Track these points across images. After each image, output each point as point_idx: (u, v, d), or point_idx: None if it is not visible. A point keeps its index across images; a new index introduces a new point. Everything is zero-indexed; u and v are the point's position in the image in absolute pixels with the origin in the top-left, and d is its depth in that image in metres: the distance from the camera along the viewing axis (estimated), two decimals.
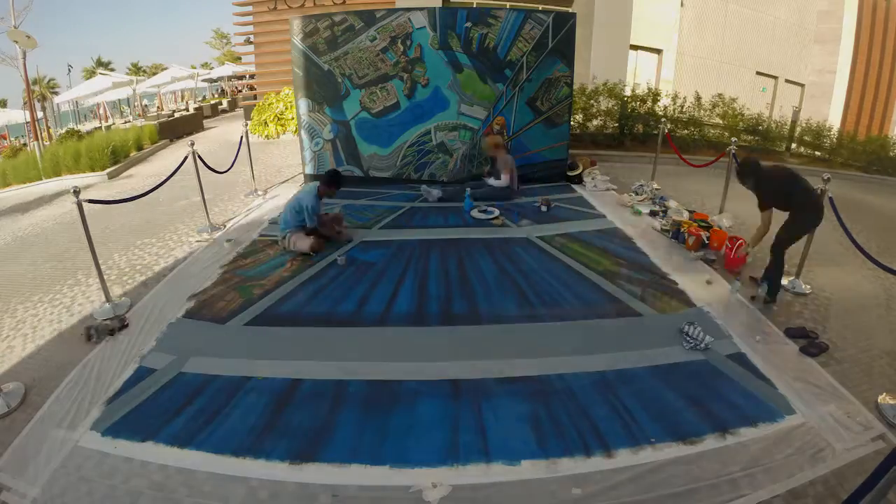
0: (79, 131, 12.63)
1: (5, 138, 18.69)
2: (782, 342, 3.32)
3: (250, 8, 12.75)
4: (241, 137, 7.27)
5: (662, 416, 2.63)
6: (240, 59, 26.48)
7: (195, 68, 26.63)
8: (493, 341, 3.37)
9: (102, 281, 3.89)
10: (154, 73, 29.83)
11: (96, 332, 3.47)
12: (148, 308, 3.90)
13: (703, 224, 5.26)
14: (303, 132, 7.24)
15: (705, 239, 4.83)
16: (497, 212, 5.56)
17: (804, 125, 10.02)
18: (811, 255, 4.14)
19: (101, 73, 19.04)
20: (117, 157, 9.66)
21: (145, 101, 21.47)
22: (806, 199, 3.67)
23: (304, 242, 4.70)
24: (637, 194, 6.48)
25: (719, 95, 9.97)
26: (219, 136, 13.27)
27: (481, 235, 5.22)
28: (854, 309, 3.81)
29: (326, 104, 7.05)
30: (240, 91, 24.03)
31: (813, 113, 11.60)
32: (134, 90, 18.23)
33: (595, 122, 9.66)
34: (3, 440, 2.57)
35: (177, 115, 15.59)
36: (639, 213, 5.61)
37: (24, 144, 15.07)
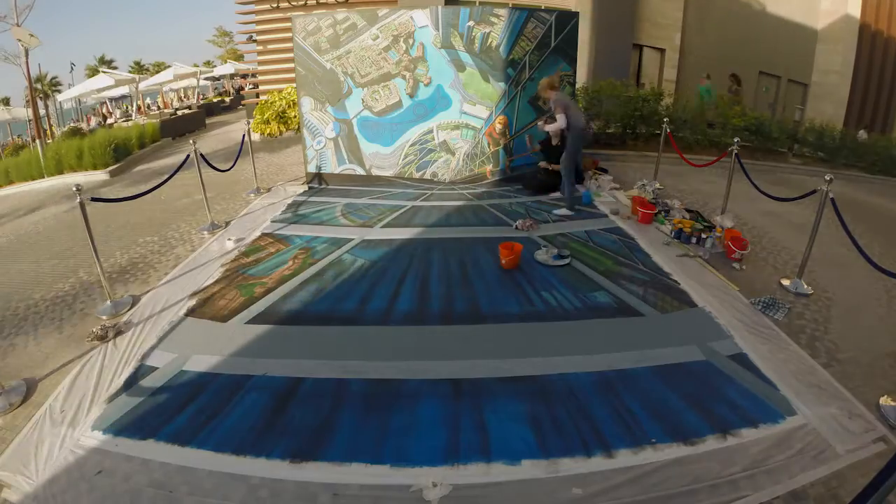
0: (81, 129, 12.66)
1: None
2: (784, 343, 3.32)
3: (253, 6, 12.75)
4: (244, 136, 7.27)
5: (663, 416, 2.62)
6: (242, 57, 26.53)
7: (197, 66, 26.66)
8: (494, 341, 3.37)
9: (104, 279, 3.90)
10: (157, 72, 29.89)
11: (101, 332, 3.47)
12: (149, 306, 3.90)
13: (706, 225, 5.26)
14: (305, 130, 7.24)
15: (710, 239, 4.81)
16: (568, 259, 4.54)
17: (808, 125, 9.98)
18: (813, 255, 4.13)
19: (103, 72, 19.06)
20: (119, 155, 9.68)
21: (147, 100, 21.50)
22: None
23: None
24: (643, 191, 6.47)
25: (720, 97, 9.95)
26: (221, 135, 13.29)
27: (483, 234, 5.22)
28: (856, 310, 3.80)
29: (328, 103, 7.06)
30: (242, 89, 24.05)
31: (817, 113, 11.57)
32: (136, 88, 18.25)
33: (597, 122, 9.64)
34: (5, 438, 2.58)
35: (179, 113, 15.60)
36: (662, 222, 5.47)
37: (26, 143, 15.12)
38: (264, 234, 5.37)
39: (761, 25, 14.34)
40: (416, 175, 7.17)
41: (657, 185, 6.95)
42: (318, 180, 7.32)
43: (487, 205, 6.24)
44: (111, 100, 22.67)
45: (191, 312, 3.78)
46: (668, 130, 7.25)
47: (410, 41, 6.71)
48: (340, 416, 2.66)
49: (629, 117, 9.42)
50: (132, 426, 2.62)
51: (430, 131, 7.01)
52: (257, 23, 12.89)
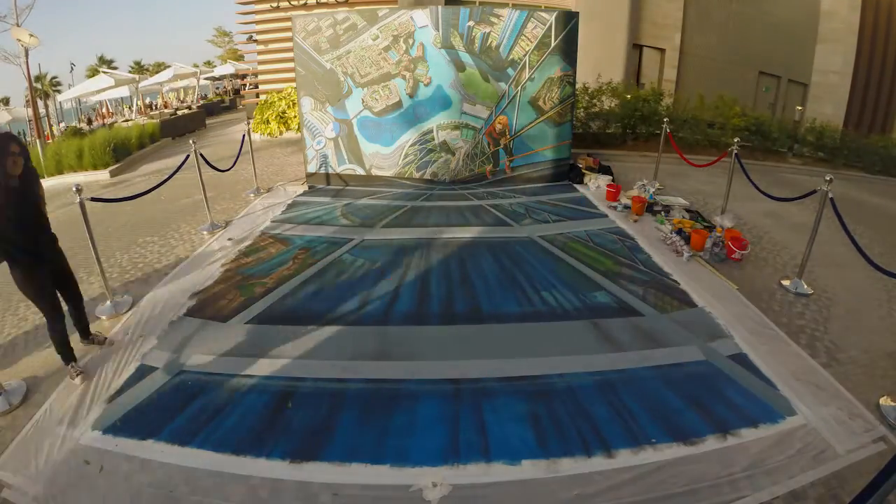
0: (81, 129, 12.66)
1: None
2: (784, 343, 3.32)
3: (253, 6, 12.76)
4: (243, 136, 7.27)
5: (663, 416, 2.62)
6: (242, 57, 26.53)
7: (197, 67, 26.66)
8: (494, 341, 3.37)
9: (104, 279, 3.90)
10: (157, 72, 29.89)
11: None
12: (149, 306, 3.90)
13: (706, 225, 5.26)
14: (305, 130, 7.24)
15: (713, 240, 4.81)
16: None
17: (808, 125, 9.98)
18: (813, 255, 4.13)
19: (103, 72, 19.06)
20: (119, 155, 9.68)
21: (148, 99, 21.50)
22: None
23: None
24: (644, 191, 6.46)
25: (720, 97, 9.96)
26: (222, 136, 13.29)
27: (483, 235, 5.22)
28: (856, 310, 3.80)
29: (329, 103, 7.05)
30: (243, 89, 24.04)
31: (817, 113, 11.56)
32: (136, 88, 18.24)
33: (597, 122, 9.64)
34: (5, 438, 2.58)
35: (179, 113, 15.60)
36: (662, 221, 5.52)
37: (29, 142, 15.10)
38: (264, 234, 5.37)
39: (761, 25, 14.34)
40: (416, 175, 7.17)
41: (657, 185, 6.94)
42: (318, 180, 7.32)
43: (487, 205, 6.24)
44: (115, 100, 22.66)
45: (191, 312, 3.77)
46: (668, 130, 7.25)
47: (410, 41, 6.71)
48: (340, 415, 2.66)
49: (629, 117, 9.43)
50: (132, 426, 2.62)
51: (430, 131, 7.01)
52: (257, 23, 12.92)
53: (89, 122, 19.27)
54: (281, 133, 11.67)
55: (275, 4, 12.37)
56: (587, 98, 9.48)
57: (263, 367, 3.07)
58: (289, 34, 7.34)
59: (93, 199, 4.04)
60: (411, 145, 7.08)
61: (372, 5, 10.43)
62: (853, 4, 14.00)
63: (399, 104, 6.95)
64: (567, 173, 7.34)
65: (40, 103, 17.93)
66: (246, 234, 5.38)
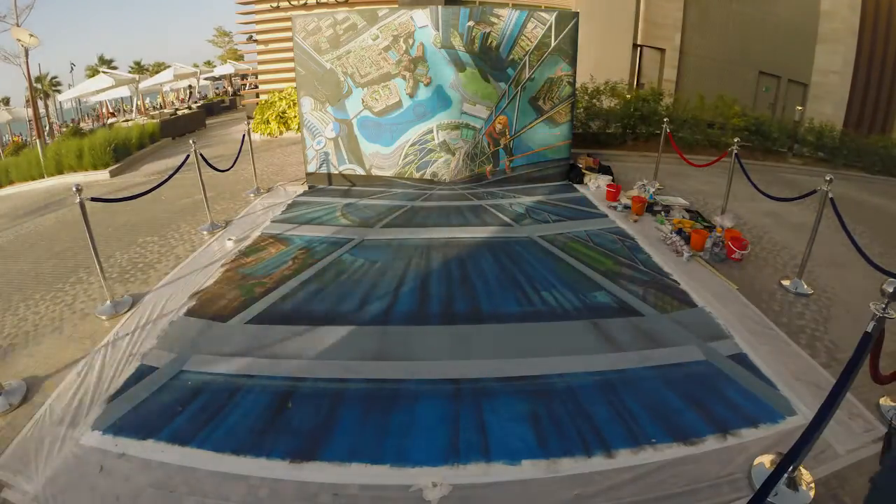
0: (81, 128, 12.66)
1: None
2: (784, 343, 3.32)
3: (253, 6, 12.77)
4: (244, 136, 7.27)
5: (663, 416, 2.62)
6: (242, 57, 26.57)
7: (197, 66, 26.67)
8: (494, 341, 3.37)
9: (104, 279, 3.90)
10: (157, 72, 29.90)
11: None
12: (149, 306, 3.90)
13: (706, 225, 5.26)
14: (305, 130, 7.24)
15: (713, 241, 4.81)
16: None
17: (807, 125, 9.97)
18: (813, 255, 4.13)
19: (103, 72, 19.06)
20: (119, 155, 9.67)
21: (147, 100, 21.49)
22: None
23: None
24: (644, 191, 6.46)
25: (720, 97, 9.96)
26: (221, 135, 13.29)
27: (483, 235, 5.22)
28: (856, 310, 3.80)
29: (328, 103, 7.06)
30: (243, 88, 24.06)
31: (817, 113, 11.55)
32: (136, 88, 18.23)
33: (597, 122, 9.64)
34: (5, 438, 2.58)
35: (179, 113, 15.59)
36: (662, 221, 5.52)
37: (26, 143, 15.13)
38: (264, 235, 5.37)
39: (761, 25, 14.34)
40: (416, 175, 7.17)
41: (657, 185, 6.94)
42: (318, 180, 7.32)
43: (487, 205, 6.24)
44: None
45: (191, 312, 3.77)
46: (668, 130, 7.25)
47: (410, 41, 6.72)
48: (340, 416, 2.66)
49: (629, 117, 9.43)
50: (132, 426, 2.62)
51: (430, 131, 7.02)
52: (257, 23, 12.93)
53: (99, 119, 19.24)
54: (281, 133, 11.67)
55: (275, 4, 12.38)
56: (587, 98, 9.48)
57: (263, 367, 3.08)
58: (289, 34, 7.34)
59: (93, 199, 4.04)
60: (411, 145, 7.08)
61: (372, 5, 10.44)
62: (853, 4, 13.99)
63: (399, 104, 6.95)
64: (567, 173, 7.34)
65: (40, 103, 17.94)
66: (246, 234, 5.38)
